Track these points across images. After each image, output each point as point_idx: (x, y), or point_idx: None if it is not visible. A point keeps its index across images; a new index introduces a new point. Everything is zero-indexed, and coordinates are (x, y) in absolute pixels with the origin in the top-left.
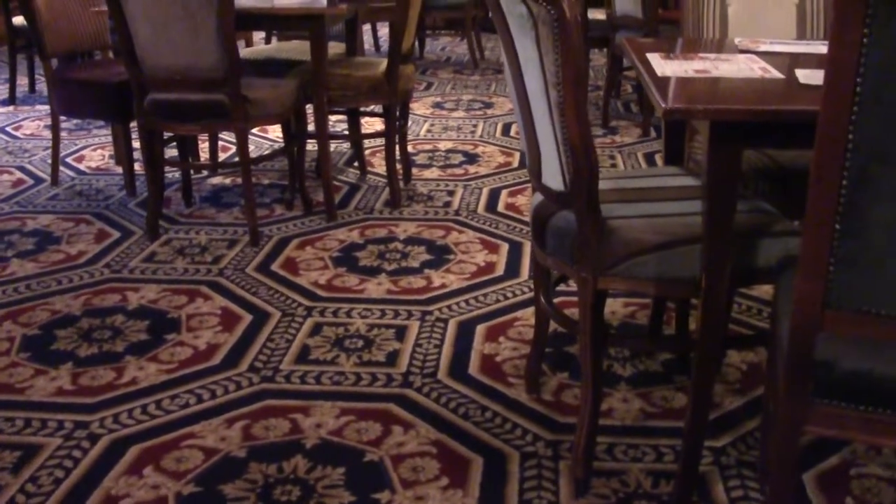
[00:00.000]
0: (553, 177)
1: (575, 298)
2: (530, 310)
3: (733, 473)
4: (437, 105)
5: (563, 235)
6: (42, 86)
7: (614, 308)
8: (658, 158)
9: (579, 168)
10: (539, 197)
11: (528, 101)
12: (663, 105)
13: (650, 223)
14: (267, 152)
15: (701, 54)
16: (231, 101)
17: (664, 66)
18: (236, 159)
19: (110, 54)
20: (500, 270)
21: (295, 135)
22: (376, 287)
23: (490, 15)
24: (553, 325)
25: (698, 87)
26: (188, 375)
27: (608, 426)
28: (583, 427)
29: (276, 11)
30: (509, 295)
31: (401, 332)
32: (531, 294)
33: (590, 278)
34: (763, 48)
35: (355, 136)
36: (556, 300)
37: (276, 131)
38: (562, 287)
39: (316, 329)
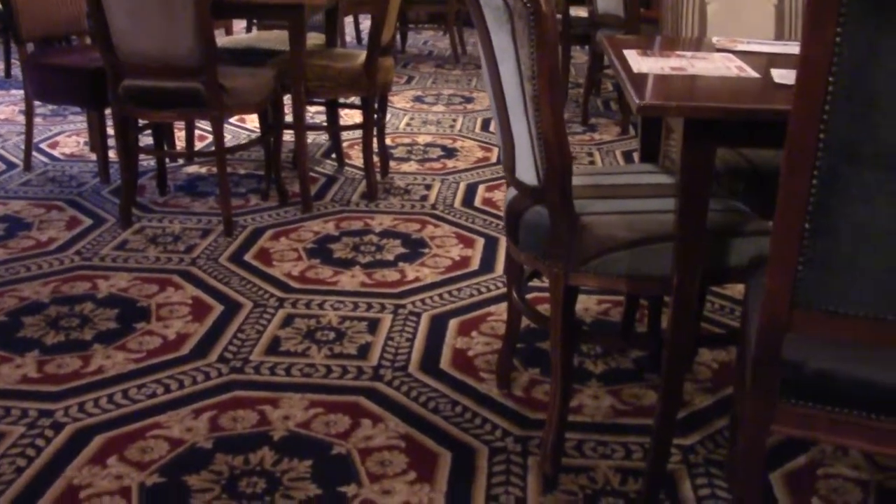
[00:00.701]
0: (527, 171)
1: (547, 294)
2: (503, 305)
3: (701, 472)
4: (418, 99)
5: (535, 230)
6: (18, 70)
7: (587, 305)
8: (636, 157)
9: (553, 163)
10: (513, 191)
11: (504, 94)
12: (638, 101)
13: (623, 220)
14: (244, 142)
15: (678, 52)
16: (207, 89)
17: (641, 62)
18: (212, 148)
19: (87, 40)
20: (474, 265)
21: (272, 125)
22: (350, 279)
23: (468, 8)
24: (526, 321)
25: (674, 84)
26: (156, 365)
27: (578, 423)
28: (552, 423)
29: (257, 1)
30: (483, 290)
31: (373, 325)
32: (505, 289)
33: (561, 274)
34: (740, 47)
35: (333, 128)
36: (528, 296)
37: (253, 121)
38: (535, 283)
39: (288, 320)
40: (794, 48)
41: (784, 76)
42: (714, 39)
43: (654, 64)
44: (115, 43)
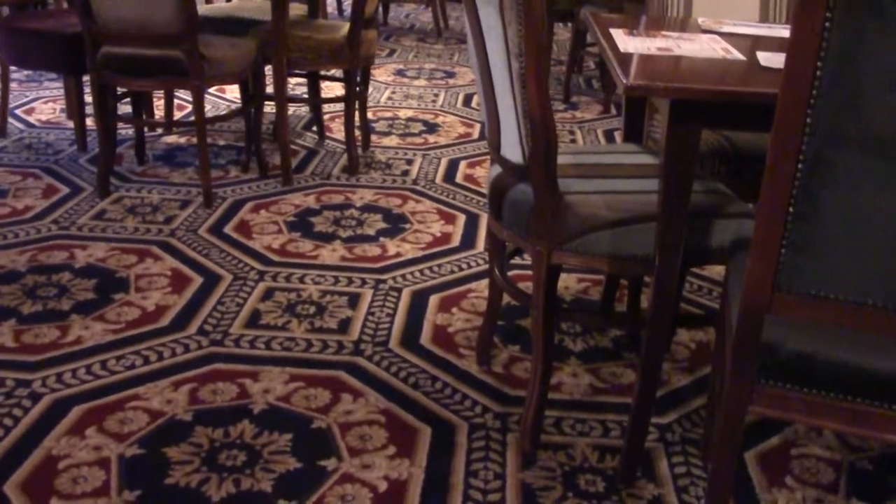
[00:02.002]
0: (512, 149)
1: (529, 272)
2: (484, 282)
3: (678, 450)
4: (399, 72)
5: (519, 208)
6: None
7: (567, 283)
8: (618, 136)
9: (538, 141)
10: (497, 169)
11: (490, 71)
12: (625, 81)
13: (606, 199)
14: (224, 113)
15: (664, 32)
16: (187, 58)
17: (627, 42)
18: (191, 118)
19: (64, 4)
20: (455, 241)
21: (252, 96)
22: (330, 253)
23: None
24: (506, 298)
25: (660, 64)
26: (135, 336)
27: (557, 400)
28: (531, 400)
29: None
30: (464, 266)
31: (354, 300)
32: (486, 266)
33: (544, 252)
34: (726, 29)
35: (314, 101)
36: (510, 273)
37: (232, 91)
38: (516, 260)
39: (268, 294)
40: (778, 31)
41: (770, 59)
42: (699, 20)
43: (640, 44)
44: (93, 8)
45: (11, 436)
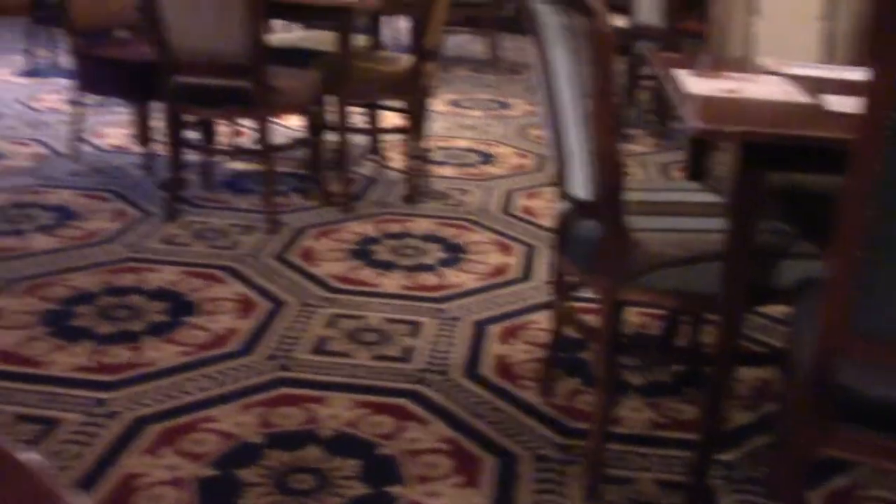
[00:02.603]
0: (579, 185)
1: (591, 305)
2: (543, 314)
3: (741, 488)
4: (454, 103)
5: (586, 244)
6: (62, 60)
7: (627, 316)
8: (673, 169)
9: (606, 179)
10: (564, 203)
11: (558, 109)
12: (694, 125)
13: (672, 238)
14: (283, 140)
15: (729, 73)
16: (255, 88)
17: (692, 83)
18: (251, 145)
19: (130, 33)
20: (513, 273)
21: (315, 125)
22: (391, 282)
23: (524, 22)
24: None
25: (728, 107)
26: (205, 359)
27: (618, 434)
28: (595, 434)
29: (305, 2)
30: (523, 298)
31: (415, 329)
32: (544, 298)
33: (611, 288)
34: (789, 71)
35: (373, 130)
36: (573, 305)
37: (292, 120)
38: (579, 293)
39: (332, 320)
40: (841, 73)
41: (839, 103)
42: (763, 61)
43: (706, 85)
44: (167, 39)
45: (91, 454)
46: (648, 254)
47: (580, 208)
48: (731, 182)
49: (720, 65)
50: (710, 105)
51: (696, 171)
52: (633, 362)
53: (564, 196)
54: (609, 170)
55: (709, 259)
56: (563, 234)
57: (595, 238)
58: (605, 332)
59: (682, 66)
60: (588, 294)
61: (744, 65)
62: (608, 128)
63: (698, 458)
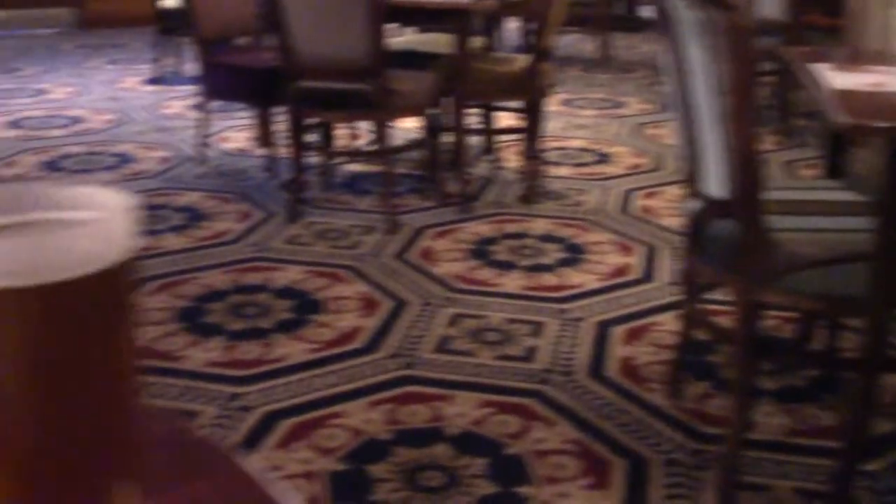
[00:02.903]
0: (714, 184)
1: (723, 307)
2: (668, 315)
3: (885, 500)
4: (567, 102)
5: (721, 244)
6: (186, 67)
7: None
8: (798, 167)
9: (745, 178)
10: (695, 202)
11: (691, 106)
12: (841, 120)
13: (813, 237)
14: (400, 142)
15: (871, 67)
16: (377, 91)
17: (835, 77)
18: (367, 147)
19: (251, 41)
20: (635, 273)
21: (433, 127)
22: (512, 282)
23: (658, 19)
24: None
25: (874, 101)
26: (333, 356)
27: (753, 440)
28: (730, 439)
29: (424, 5)
30: (646, 299)
31: (537, 329)
32: (669, 299)
33: (748, 290)
34: None
35: (490, 131)
36: (703, 307)
37: (407, 122)
38: (709, 295)
39: (454, 320)
40: None
41: None
42: None
43: (849, 79)
44: (291, 45)
45: (230, 445)
46: (789, 254)
47: (715, 207)
48: (877, 179)
49: (859, 58)
50: (854, 99)
51: (834, 168)
52: (766, 366)
53: (696, 195)
54: (747, 167)
55: (853, 260)
56: (695, 233)
57: (731, 238)
58: (742, 335)
59: (820, 60)
60: (720, 296)
61: (884, 57)
62: (747, 124)
63: (841, 467)
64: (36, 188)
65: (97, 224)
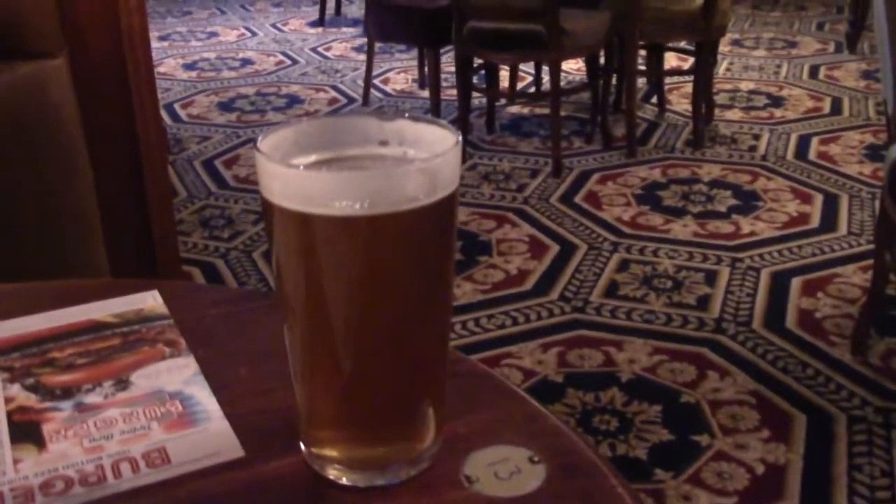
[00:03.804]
0: None
1: None
2: (851, 267)
3: None
4: (736, 42)
5: None
6: (346, 9)
7: None
8: None
9: None
10: None
11: None
12: None
13: None
14: (563, 85)
15: None
16: (548, 31)
17: None
18: (530, 89)
19: None
20: (814, 222)
21: (603, 68)
22: (682, 228)
23: None
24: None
25: None
26: (502, 297)
27: None
28: None
29: None
30: (826, 249)
31: (710, 277)
32: (851, 250)
33: None
34: None
35: (658, 73)
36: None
37: (568, 64)
38: None
39: (623, 265)
40: None
41: None
42: None
43: None
44: None
45: None
46: None
47: None
48: None
49: None
50: None
51: None
52: None
53: None
54: None
55: None
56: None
57: None
58: None
59: None
60: None
61: None
62: None
63: None
64: (369, 123)
65: (428, 162)
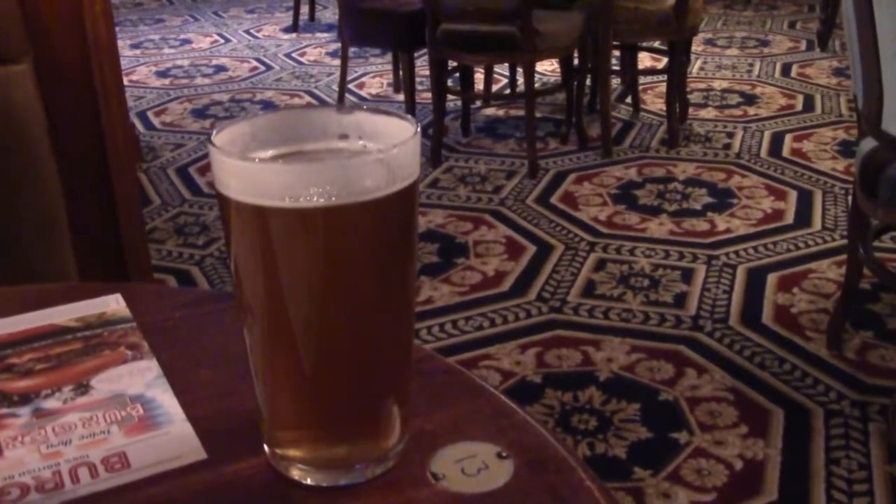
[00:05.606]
0: None
1: (891, 255)
2: (825, 262)
3: None
4: (709, 41)
5: None
6: (320, 14)
7: None
8: None
9: None
10: (871, 143)
11: (875, 42)
12: None
13: None
14: (538, 86)
15: None
16: (522, 33)
17: None
18: (505, 91)
19: None
20: (788, 219)
21: (576, 68)
22: (658, 227)
23: None
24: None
25: None
26: (479, 299)
27: None
28: None
29: None
30: (801, 245)
31: (687, 275)
32: (825, 245)
33: None
34: None
35: (632, 72)
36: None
37: (543, 65)
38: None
39: (600, 265)
40: None
41: None
42: None
43: None
44: None
45: None
46: None
47: None
48: None
49: None
50: None
51: None
52: None
53: (877, 134)
54: None
55: None
56: (871, 175)
57: None
58: None
59: None
60: (890, 243)
61: None
62: None
63: None
64: (328, 116)
65: (385, 152)
